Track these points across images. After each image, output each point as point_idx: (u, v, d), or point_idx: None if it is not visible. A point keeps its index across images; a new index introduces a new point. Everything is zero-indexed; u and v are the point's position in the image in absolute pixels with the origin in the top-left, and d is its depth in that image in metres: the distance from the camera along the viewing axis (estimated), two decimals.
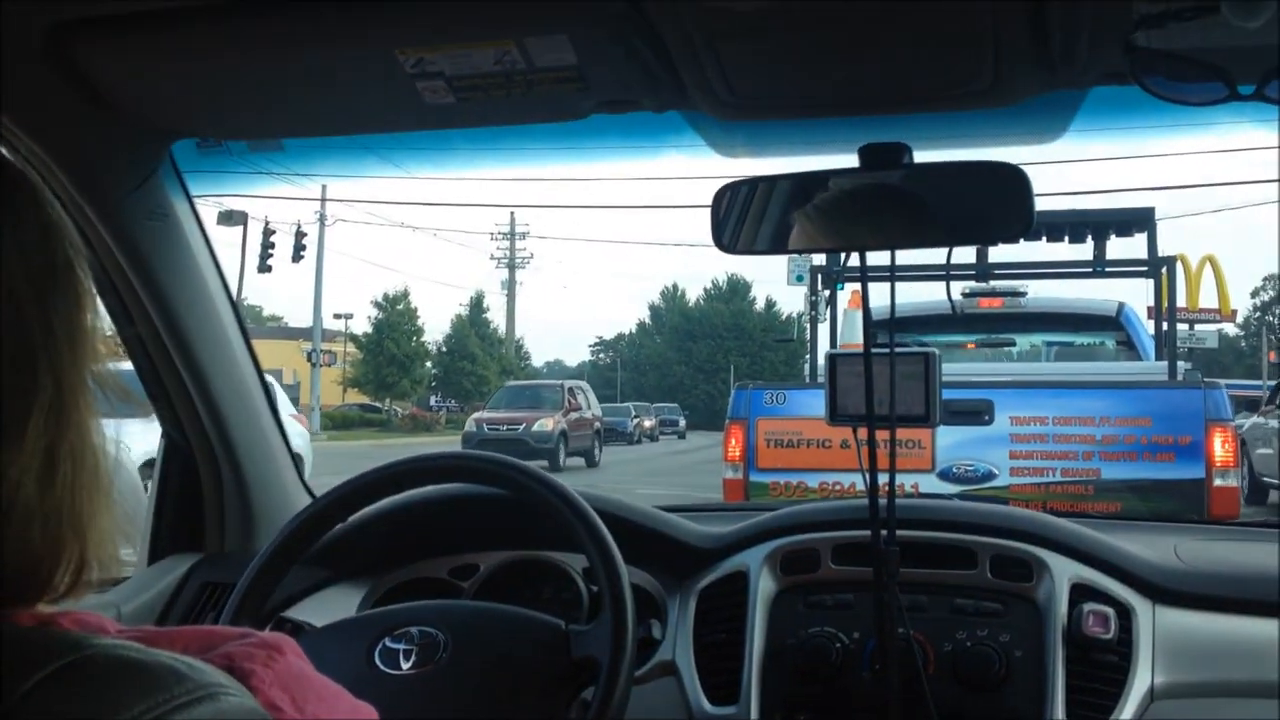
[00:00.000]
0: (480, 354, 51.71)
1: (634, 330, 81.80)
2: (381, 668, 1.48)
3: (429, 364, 50.09)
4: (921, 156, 1.49)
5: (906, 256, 7.54)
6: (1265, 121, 1.40)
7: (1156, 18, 1.15)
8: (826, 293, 7.71)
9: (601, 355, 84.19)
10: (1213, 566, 1.78)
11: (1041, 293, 8.06)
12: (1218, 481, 5.21)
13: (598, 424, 27.84)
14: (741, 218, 1.57)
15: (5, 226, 0.66)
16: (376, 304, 47.20)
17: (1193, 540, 1.92)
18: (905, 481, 1.61)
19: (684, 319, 73.68)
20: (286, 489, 2.08)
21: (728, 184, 1.56)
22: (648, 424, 45.18)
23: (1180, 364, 6.74)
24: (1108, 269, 7.09)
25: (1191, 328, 28.55)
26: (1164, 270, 6.88)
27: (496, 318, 59.36)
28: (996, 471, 5.50)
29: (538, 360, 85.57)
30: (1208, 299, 32.09)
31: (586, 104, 1.44)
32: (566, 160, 1.74)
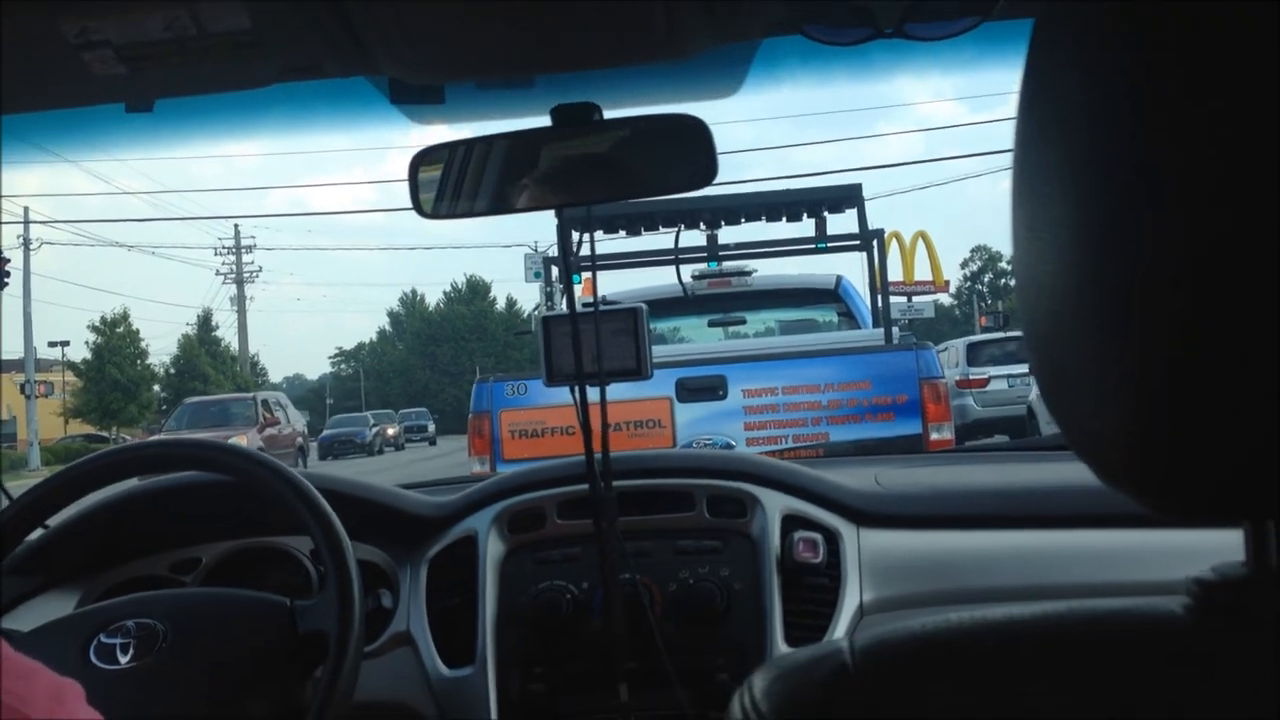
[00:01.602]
0: (213, 373, 49.83)
1: (374, 339, 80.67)
2: (98, 664, 1.42)
3: (157, 387, 47.94)
4: (613, 115, 1.55)
5: (640, 243, 7.83)
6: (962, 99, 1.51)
7: None
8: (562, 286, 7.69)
9: (343, 366, 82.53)
10: (908, 489, 1.92)
11: (768, 272, 8.38)
12: (934, 435, 5.56)
13: (300, 439, 26.12)
14: (439, 183, 1.59)
15: None
16: (94, 328, 44.86)
17: (891, 469, 2.06)
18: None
19: (425, 324, 73.05)
20: None
21: (422, 150, 1.58)
22: (391, 431, 43.69)
23: (895, 331, 7.12)
24: (824, 245, 7.45)
25: (909, 300, 30.35)
26: (874, 241, 7.32)
27: (228, 335, 57.29)
28: (734, 443, 5.65)
29: (276, 375, 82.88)
30: (922, 272, 34.06)
31: (268, 71, 1.41)
32: (258, 135, 1.71)
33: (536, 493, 1.89)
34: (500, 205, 1.61)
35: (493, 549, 1.84)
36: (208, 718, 1.41)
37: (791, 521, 1.81)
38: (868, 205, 7.48)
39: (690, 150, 1.52)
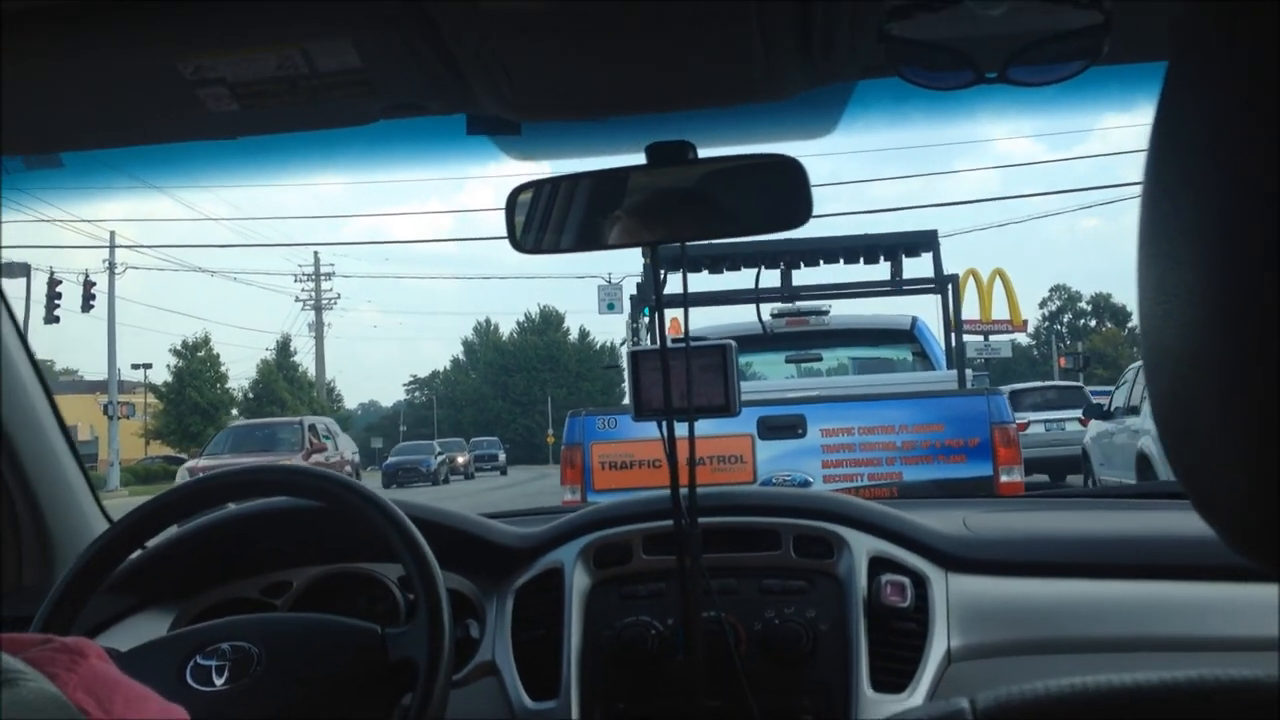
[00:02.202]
0: (289, 398, 50.36)
1: (448, 367, 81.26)
2: (194, 686, 1.44)
3: (235, 411, 48.42)
4: (706, 153, 1.56)
5: (719, 282, 7.90)
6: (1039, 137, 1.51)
7: (907, 8, 1.23)
8: (645, 319, 7.93)
9: (417, 394, 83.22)
10: (997, 534, 1.89)
11: (843, 312, 8.72)
12: (1004, 478, 5.77)
13: (349, 467, 25.38)
14: (533, 218, 1.61)
15: None
16: (176, 351, 46.21)
17: (979, 512, 2.03)
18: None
19: (498, 353, 73.59)
20: (85, 516, 2.01)
21: (520, 185, 1.60)
22: (460, 460, 42.95)
23: (969, 372, 7.39)
24: (901, 287, 7.85)
25: (986, 339, 30.12)
26: (949, 286, 7.57)
27: (305, 361, 58.11)
28: (811, 480, 5.93)
29: (351, 402, 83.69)
30: (1000, 311, 33.61)
31: (373, 109, 1.45)
32: (359, 170, 1.74)
33: (623, 527, 1.90)
34: (592, 241, 1.63)
35: (579, 582, 1.84)
36: None
37: (879, 564, 1.79)
38: (943, 242, 7.66)
39: (785, 190, 1.53)
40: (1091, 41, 1.22)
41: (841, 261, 7.78)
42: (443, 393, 77.67)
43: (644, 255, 1.80)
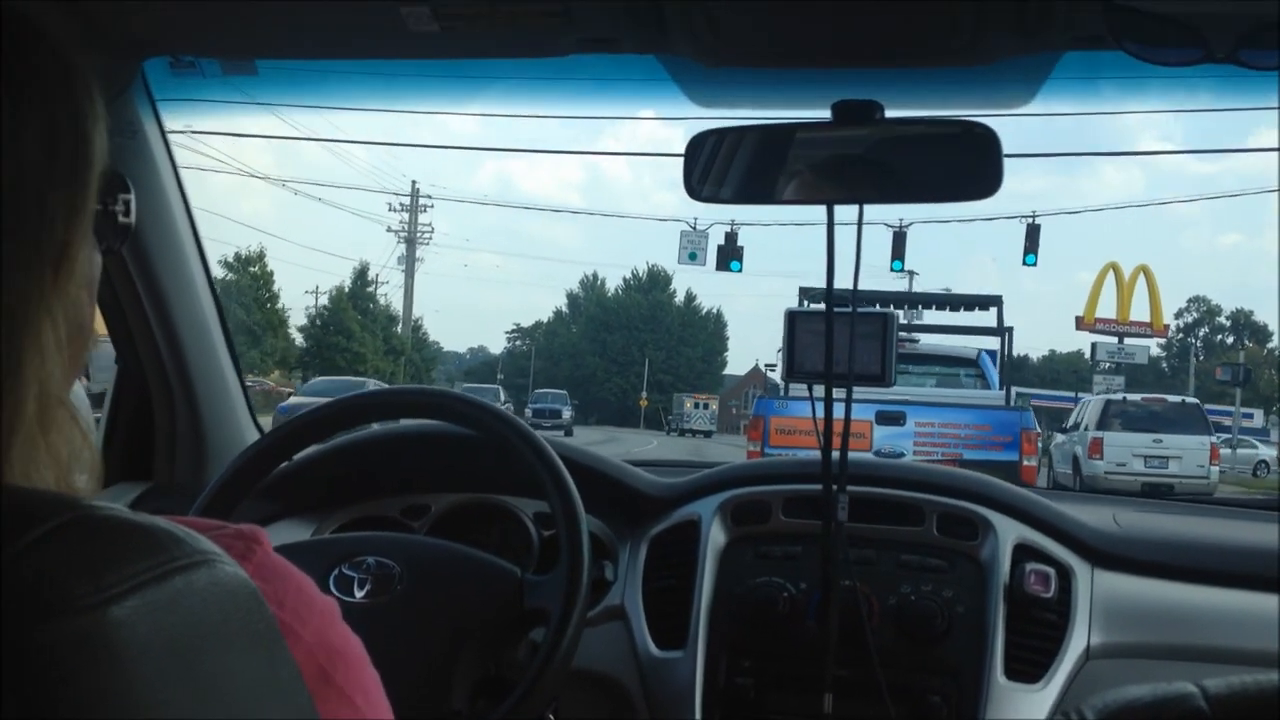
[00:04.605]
0: (358, 330, 46.59)
1: (550, 318, 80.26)
2: (336, 593, 1.47)
3: (298, 337, 46.48)
4: (891, 115, 1.52)
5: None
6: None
7: None
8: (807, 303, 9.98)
9: (519, 342, 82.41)
10: (1148, 534, 1.84)
11: (929, 340, 13.07)
12: (1026, 462, 9.75)
13: None
14: (710, 166, 1.58)
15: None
16: (226, 264, 42.98)
17: (1130, 510, 1.98)
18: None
19: (600, 309, 72.59)
20: (240, 424, 2.05)
21: (702, 131, 1.58)
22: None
23: (1013, 392, 11.52)
24: (975, 331, 12.45)
25: (1121, 341, 28.53)
26: (1006, 334, 11.37)
27: (394, 295, 55.22)
28: (905, 453, 9.70)
29: (458, 345, 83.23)
30: (1140, 312, 31.60)
31: (567, 40, 1.44)
32: (543, 102, 1.74)
33: (765, 486, 1.88)
34: (766, 195, 1.61)
35: (715, 536, 1.83)
36: (424, 666, 1.44)
37: (1023, 551, 1.76)
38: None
39: (974, 159, 1.48)
40: None
41: (934, 308, 12.65)
42: (542, 344, 77.01)
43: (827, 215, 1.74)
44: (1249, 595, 1.71)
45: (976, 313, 12.21)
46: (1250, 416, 45.79)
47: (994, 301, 11.69)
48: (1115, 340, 29.06)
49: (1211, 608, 1.70)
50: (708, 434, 47.34)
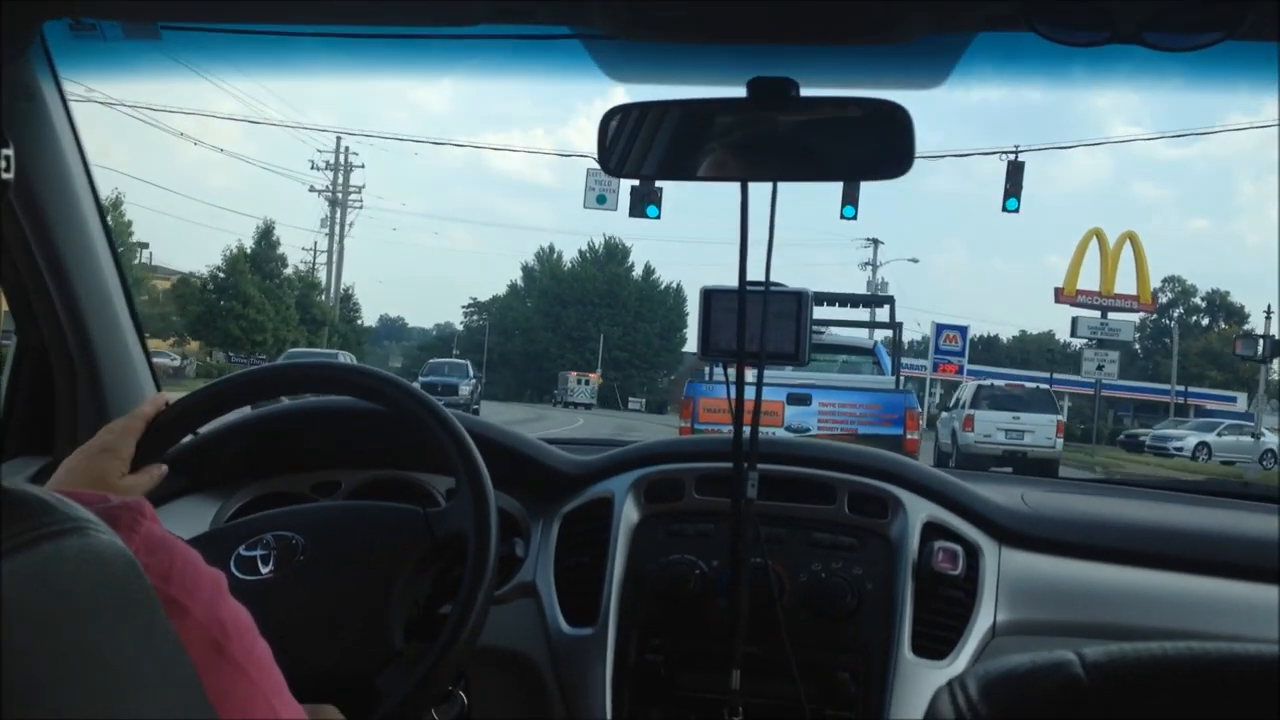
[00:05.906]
0: (255, 294, 42.69)
1: (504, 292, 78.64)
2: (239, 575, 1.45)
3: (162, 296, 42.73)
4: (807, 94, 1.51)
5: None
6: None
7: None
8: None
9: (475, 318, 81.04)
10: (1056, 513, 1.86)
11: (835, 332, 14.66)
12: (909, 436, 11.22)
13: None
14: (630, 142, 1.57)
15: None
16: None
17: (1039, 490, 2.00)
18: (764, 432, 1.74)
19: (555, 282, 71.29)
20: (144, 397, 2.01)
21: (616, 106, 1.56)
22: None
23: (903, 379, 13.47)
24: (873, 325, 16.07)
25: (1104, 315, 27.34)
26: (898, 327, 13.47)
27: (350, 266, 54.05)
28: (810, 428, 11.19)
29: (424, 321, 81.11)
30: (1125, 284, 29.29)
31: (480, 9, 1.41)
32: (455, 74, 1.71)
33: (678, 464, 1.88)
34: (681, 171, 1.60)
35: (627, 514, 1.83)
36: (358, 619, 1.42)
37: (932, 529, 1.77)
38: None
39: (887, 138, 1.47)
40: (1230, 11, 1.16)
41: (839, 305, 13.44)
42: (495, 319, 75.59)
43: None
44: (1153, 574, 1.73)
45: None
46: (1233, 400, 45.83)
47: (887, 300, 14.07)
48: (1098, 315, 27.64)
49: (1115, 586, 1.72)
50: (588, 406, 52.52)
